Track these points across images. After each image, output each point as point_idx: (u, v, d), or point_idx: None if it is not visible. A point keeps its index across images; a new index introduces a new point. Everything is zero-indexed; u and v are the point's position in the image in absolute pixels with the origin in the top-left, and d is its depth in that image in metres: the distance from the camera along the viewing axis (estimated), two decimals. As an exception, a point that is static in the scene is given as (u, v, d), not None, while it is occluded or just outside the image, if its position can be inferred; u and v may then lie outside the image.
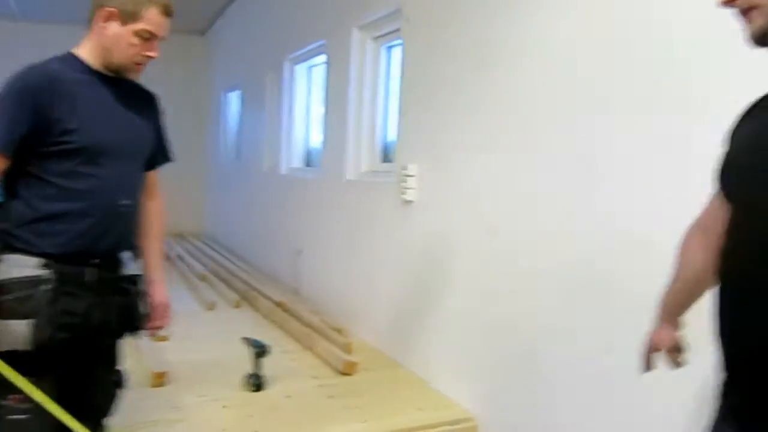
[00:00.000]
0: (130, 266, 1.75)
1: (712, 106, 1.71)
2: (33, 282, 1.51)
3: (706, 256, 1.25)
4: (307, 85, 5.24)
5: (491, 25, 2.74)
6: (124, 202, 1.68)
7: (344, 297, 4.21)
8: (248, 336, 3.29)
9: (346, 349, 3.67)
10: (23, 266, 1.53)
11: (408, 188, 3.28)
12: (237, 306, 4.86)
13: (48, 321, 1.52)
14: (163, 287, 1.91)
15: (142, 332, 1.85)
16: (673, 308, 1.40)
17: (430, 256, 3.25)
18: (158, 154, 1.90)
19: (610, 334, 2.12)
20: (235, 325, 4.34)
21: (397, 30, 3.51)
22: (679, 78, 1.87)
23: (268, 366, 3.28)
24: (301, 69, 5.22)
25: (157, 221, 1.92)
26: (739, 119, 1.13)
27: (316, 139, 5.08)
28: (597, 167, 2.18)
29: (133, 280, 1.76)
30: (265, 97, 5.78)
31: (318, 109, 4.95)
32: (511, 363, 2.65)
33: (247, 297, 5.02)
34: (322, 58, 4.62)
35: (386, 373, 3.43)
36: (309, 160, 5.33)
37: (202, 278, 5.75)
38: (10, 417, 1.49)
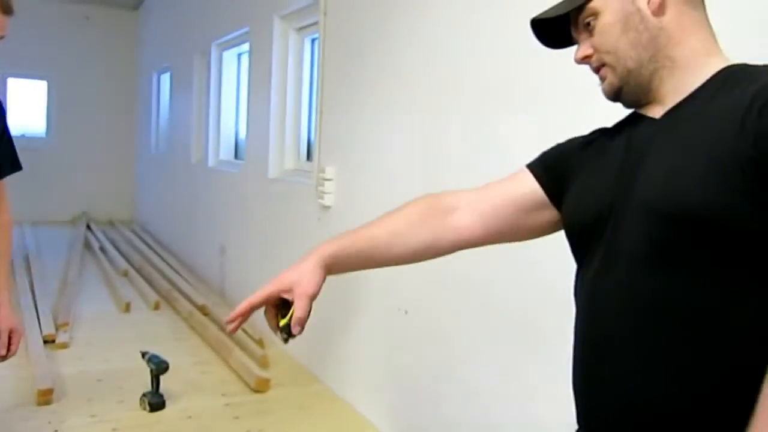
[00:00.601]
0: None
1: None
2: None
3: (418, 233, 1.11)
4: (236, 73, 4.92)
5: (407, 21, 2.55)
6: None
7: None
8: (147, 349, 3.01)
9: (262, 362, 3.44)
10: None
11: (326, 192, 3.04)
12: (156, 308, 4.55)
13: None
14: (9, 310, 1.75)
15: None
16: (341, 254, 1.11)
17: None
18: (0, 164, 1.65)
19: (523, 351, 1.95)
20: (150, 330, 4.06)
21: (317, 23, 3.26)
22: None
23: (176, 379, 3.05)
24: (229, 55, 4.91)
25: (2, 238, 1.77)
26: (592, 139, 1.05)
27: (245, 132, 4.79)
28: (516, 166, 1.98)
29: None
30: (193, 82, 5.43)
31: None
32: (423, 380, 2.47)
33: (168, 297, 4.72)
34: (247, 46, 4.32)
35: (300, 390, 3.21)
36: (238, 154, 5.04)
37: (123, 274, 5.42)
38: None
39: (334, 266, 1.08)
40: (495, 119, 2.11)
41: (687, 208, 0.81)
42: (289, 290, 1.04)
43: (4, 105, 1.72)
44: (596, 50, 0.95)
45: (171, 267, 5.64)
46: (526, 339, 1.97)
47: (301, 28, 3.66)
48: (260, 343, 3.72)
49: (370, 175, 2.81)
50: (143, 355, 2.94)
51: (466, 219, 1.11)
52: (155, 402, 2.85)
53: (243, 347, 3.61)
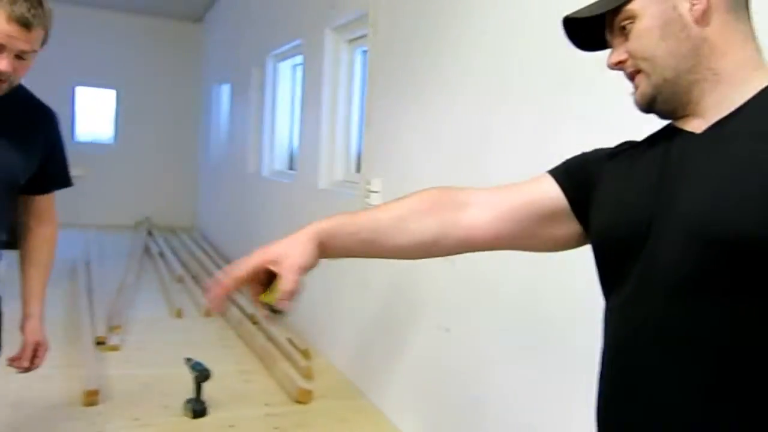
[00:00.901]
0: None
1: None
2: None
3: (426, 225, 1.02)
4: (291, 85, 4.97)
5: (452, 32, 2.50)
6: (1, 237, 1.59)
7: (315, 314, 3.95)
8: (193, 356, 3.02)
9: (306, 373, 3.41)
10: None
11: (371, 204, 3.00)
12: (207, 315, 4.60)
13: None
14: (38, 323, 1.77)
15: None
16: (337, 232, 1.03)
17: (393, 282, 2.98)
18: (48, 178, 1.71)
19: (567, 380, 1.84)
20: (199, 336, 4.10)
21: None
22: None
23: (220, 387, 3.06)
24: (285, 67, 4.95)
25: (44, 249, 1.80)
26: (624, 151, 0.97)
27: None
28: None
29: None
30: (250, 94, 5.52)
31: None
32: (464, 399, 2.38)
33: (218, 304, 4.76)
34: (301, 58, 4.36)
35: (342, 404, 3.17)
36: (293, 164, 5.07)
37: (179, 280, 5.52)
38: None
39: (329, 244, 1.00)
40: (544, 128, 2.02)
41: (739, 234, 0.73)
42: (276, 263, 0.95)
43: (56, 120, 1.73)
44: (631, 56, 0.89)
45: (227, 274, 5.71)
46: (572, 359, 1.87)
47: (352, 40, 3.66)
48: (306, 354, 3.70)
49: (415, 186, 2.75)
50: (187, 361, 2.96)
51: (478, 217, 1.02)
52: (197, 409, 2.86)
53: (288, 357, 3.60)
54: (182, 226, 8.36)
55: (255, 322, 4.27)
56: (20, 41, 1.41)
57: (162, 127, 8.58)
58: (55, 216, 1.83)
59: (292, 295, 0.94)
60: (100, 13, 8.09)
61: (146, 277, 5.67)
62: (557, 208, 1.00)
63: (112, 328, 3.98)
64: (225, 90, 7.14)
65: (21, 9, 1.39)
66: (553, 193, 1.00)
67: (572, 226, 1.00)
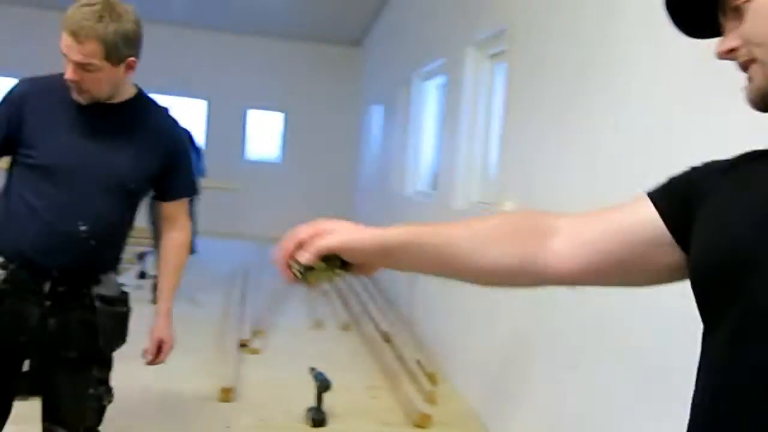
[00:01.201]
0: (109, 286, 1.72)
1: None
2: None
3: (505, 253, 0.89)
4: (436, 105, 5.00)
5: (593, 46, 2.33)
6: (81, 228, 1.63)
7: (447, 338, 3.89)
8: (319, 367, 3.10)
9: (429, 398, 3.35)
10: None
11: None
12: (344, 328, 4.73)
13: None
14: (163, 321, 1.82)
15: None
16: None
17: (525, 312, 2.83)
18: (171, 186, 1.80)
19: None
20: (333, 348, 4.21)
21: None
22: None
23: (344, 400, 3.12)
24: (430, 86, 5.00)
25: (173, 253, 1.85)
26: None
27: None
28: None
29: (108, 300, 1.71)
30: (398, 114, 5.64)
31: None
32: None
33: (357, 320, 4.88)
34: (444, 77, 4.37)
35: (461, 433, 3.07)
36: (436, 184, 5.09)
37: (323, 293, 5.72)
38: None
39: (396, 254, 0.91)
40: (699, 147, 1.81)
41: None
42: (319, 235, 0.87)
43: (178, 131, 1.81)
44: (745, 42, 0.74)
45: (367, 291, 5.86)
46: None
47: (493, 56, 3.58)
48: (432, 377, 3.64)
49: (555, 210, 2.61)
50: (311, 371, 3.04)
51: (565, 247, 0.89)
52: (317, 418, 2.92)
53: (414, 379, 3.57)
54: (336, 242, 8.70)
55: (387, 340, 4.31)
56: (73, 52, 1.50)
57: (323, 147, 9.06)
58: (186, 222, 1.88)
59: (302, 268, 0.87)
60: (269, 42, 8.77)
61: (295, 288, 5.94)
62: (656, 235, 0.85)
63: (256, 333, 4.22)
64: (378, 111, 7.38)
65: (74, 20, 1.48)
66: (649, 218, 0.85)
67: (674, 256, 0.84)
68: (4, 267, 1.63)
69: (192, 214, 7.41)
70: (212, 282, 5.82)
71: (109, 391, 1.78)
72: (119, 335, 1.75)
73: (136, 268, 5.66)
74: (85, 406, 1.74)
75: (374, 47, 7.71)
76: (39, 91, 1.64)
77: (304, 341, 4.33)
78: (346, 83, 8.94)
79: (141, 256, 5.72)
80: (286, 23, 8.09)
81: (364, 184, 7.92)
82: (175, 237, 1.85)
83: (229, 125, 8.92)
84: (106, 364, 1.77)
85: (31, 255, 1.62)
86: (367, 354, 4.17)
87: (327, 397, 2.97)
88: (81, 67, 1.52)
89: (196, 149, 5.74)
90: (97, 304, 1.68)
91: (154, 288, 5.06)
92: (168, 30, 8.35)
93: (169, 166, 1.75)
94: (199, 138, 8.50)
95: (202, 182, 5.92)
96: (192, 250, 7.49)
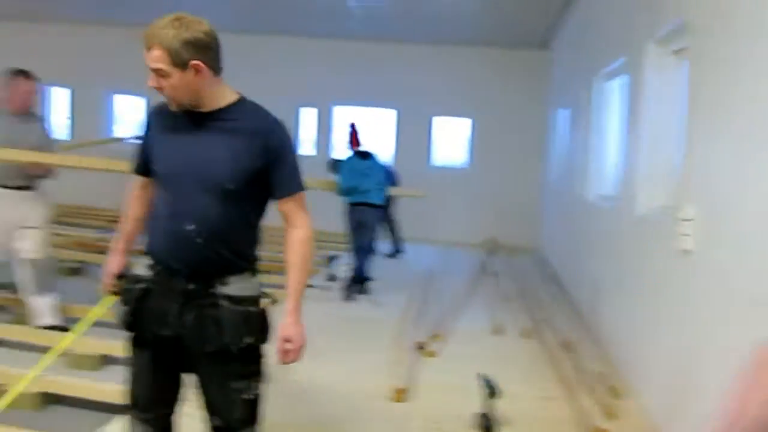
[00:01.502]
0: (239, 287, 1.83)
1: None
2: (135, 279, 1.89)
3: None
4: (620, 106, 4.71)
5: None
6: (188, 227, 1.78)
7: (633, 350, 3.66)
8: (496, 374, 3.10)
9: (609, 412, 3.20)
10: (142, 264, 1.89)
11: (685, 234, 2.67)
12: (525, 335, 4.65)
13: (132, 312, 1.86)
14: (290, 319, 1.85)
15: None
16: None
17: (724, 318, 2.56)
18: (277, 184, 1.87)
19: None
20: (511, 355, 4.19)
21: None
22: None
23: (517, 407, 3.12)
24: (612, 87, 4.73)
25: (294, 251, 1.88)
26: None
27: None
28: None
29: (235, 299, 1.82)
30: (580, 116, 5.41)
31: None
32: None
33: (538, 327, 4.78)
34: (626, 77, 4.11)
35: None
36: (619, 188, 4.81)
37: (507, 299, 5.68)
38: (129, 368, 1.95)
39: None
40: None
41: None
42: None
43: (278, 131, 1.86)
44: None
45: (552, 297, 5.71)
46: None
47: (677, 51, 3.31)
48: (614, 391, 3.46)
49: (742, 217, 2.34)
50: (480, 377, 3.05)
51: None
52: (486, 425, 2.93)
53: (593, 391, 3.42)
54: (525, 247, 8.57)
55: (568, 349, 4.17)
56: (148, 59, 1.70)
57: (510, 151, 8.97)
58: (303, 220, 1.89)
59: None
60: (454, 49, 8.90)
61: (478, 293, 5.98)
62: None
63: (434, 336, 4.32)
64: (565, 114, 7.13)
65: (147, 32, 1.69)
66: None
67: None
68: (152, 267, 1.85)
69: (391, 220, 7.71)
70: (395, 284, 6.06)
71: (252, 385, 1.87)
72: (246, 332, 1.82)
73: (325, 271, 6.08)
74: (230, 399, 1.85)
75: (561, 49, 7.48)
76: (158, 112, 1.89)
77: (481, 347, 4.34)
78: (533, 87, 8.79)
79: (330, 260, 6.13)
80: (471, 30, 8.18)
81: (551, 189, 7.72)
82: (294, 234, 1.88)
83: (416, 133, 9.21)
84: (250, 359, 1.86)
85: (164, 256, 1.83)
86: (546, 362, 4.07)
87: (499, 404, 2.96)
88: (155, 73, 1.72)
89: (388, 173, 5.99)
90: (223, 302, 1.80)
91: (349, 287, 5.41)
92: (368, 46, 8.90)
93: (270, 166, 1.81)
94: (389, 146, 8.91)
95: (392, 191, 6.21)
96: (398, 251, 7.85)
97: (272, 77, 8.83)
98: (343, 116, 9.27)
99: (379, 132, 9.11)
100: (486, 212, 9.08)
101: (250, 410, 1.89)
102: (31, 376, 2.91)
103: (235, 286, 1.84)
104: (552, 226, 7.57)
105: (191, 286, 1.82)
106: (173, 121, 1.83)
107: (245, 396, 1.86)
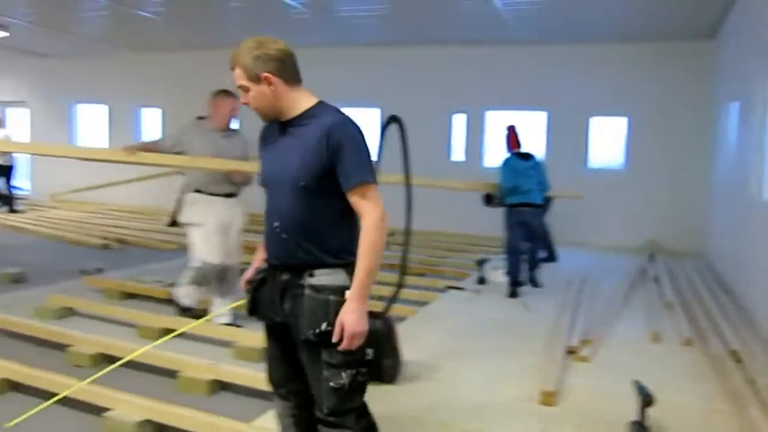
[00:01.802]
0: (324, 279, 1.97)
1: None
2: (257, 272, 2.15)
3: None
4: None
5: None
6: (275, 224, 2.01)
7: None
8: (654, 382, 2.98)
9: (781, 427, 2.92)
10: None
11: None
12: (687, 344, 4.36)
13: (251, 300, 2.14)
14: (349, 306, 1.91)
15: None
16: None
17: None
18: (341, 178, 1.95)
19: None
20: (671, 364, 3.97)
21: None
22: None
23: (676, 418, 3.02)
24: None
25: (361, 240, 1.95)
26: None
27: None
28: None
29: (317, 288, 1.96)
30: (755, 110, 4.95)
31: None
32: None
33: (703, 336, 4.47)
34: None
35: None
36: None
37: (667, 305, 5.36)
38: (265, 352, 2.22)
39: None
40: None
41: None
42: None
43: (337, 130, 1.93)
44: None
45: (718, 302, 5.31)
46: None
47: None
48: (788, 406, 3.16)
49: None
50: (634, 384, 2.93)
51: None
52: (642, 432, 2.82)
53: (766, 405, 3.14)
54: (688, 251, 8.00)
55: (738, 360, 3.85)
56: (233, 77, 1.96)
57: (671, 150, 8.42)
58: (370, 209, 1.93)
59: None
60: (607, 47, 8.52)
61: (635, 298, 5.69)
62: None
63: (585, 341, 4.20)
64: (734, 108, 6.56)
65: (231, 55, 1.96)
66: None
67: None
68: (266, 261, 2.11)
69: (544, 224, 7.42)
70: (549, 288, 5.93)
71: (343, 374, 1.93)
72: (323, 318, 1.91)
73: (476, 274, 6.11)
74: (321, 387, 1.96)
75: (731, 38, 6.89)
76: (264, 129, 2.14)
77: (637, 354, 4.15)
78: (696, 80, 8.18)
79: (481, 263, 6.14)
80: (627, 26, 7.82)
81: (719, 190, 7.13)
82: (362, 224, 1.96)
83: (571, 134, 8.93)
84: (336, 349, 1.91)
85: (269, 252, 2.07)
86: (711, 373, 3.80)
87: (657, 414, 2.84)
88: (240, 89, 1.98)
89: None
90: (307, 291, 1.96)
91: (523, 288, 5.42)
92: (516, 49, 8.84)
93: (334, 163, 1.92)
94: (540, 148, 8.70)
95: (551, 192, 6.09)
96: (552, 258, 7.66)
97: (427, 86, 9.09)
98: (493, 121, 9.25)
99: (530, 134, 8.96)
100: (645, 215, 8.59)
101: (340, 400, 1.95)
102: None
103: (320, 278, 1.97)
104: (721, 229, 6.99)
105: (285, 277, 2.02)
106: (270, 134, 2.09)
107: (333, 384, 1.94)
